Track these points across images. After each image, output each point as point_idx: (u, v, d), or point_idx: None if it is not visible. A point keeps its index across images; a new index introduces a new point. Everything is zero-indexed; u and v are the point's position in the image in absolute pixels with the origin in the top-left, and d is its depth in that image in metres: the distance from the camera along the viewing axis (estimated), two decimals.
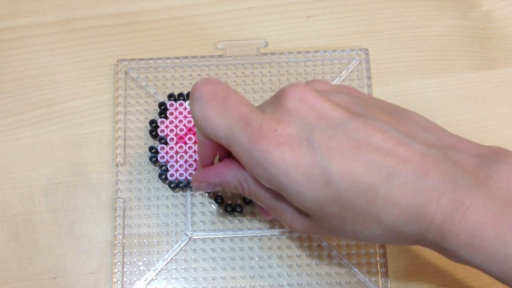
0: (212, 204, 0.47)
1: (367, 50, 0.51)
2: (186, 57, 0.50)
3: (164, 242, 0.46)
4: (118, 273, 0.45)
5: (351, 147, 0.32)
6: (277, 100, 0.35)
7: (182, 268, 0.45)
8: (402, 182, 0.32)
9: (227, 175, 0.38)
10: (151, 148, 0.47)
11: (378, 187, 0.32)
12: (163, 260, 0.45)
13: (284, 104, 0.34)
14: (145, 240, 0.46)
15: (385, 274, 0.45)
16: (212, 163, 0.40)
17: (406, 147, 0.33)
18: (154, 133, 0.48)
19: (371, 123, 0.33)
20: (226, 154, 0.38)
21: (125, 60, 0.50)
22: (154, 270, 0.45)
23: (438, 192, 0.32)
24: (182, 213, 0.47)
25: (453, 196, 0.31)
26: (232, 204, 0.46)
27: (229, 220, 0.46)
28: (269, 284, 0.45)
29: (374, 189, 0.32)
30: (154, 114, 0.49)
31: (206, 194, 0.47)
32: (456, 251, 0.32)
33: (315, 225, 0.36)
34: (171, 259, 0.45)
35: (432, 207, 0.32)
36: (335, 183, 0.32)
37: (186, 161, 0.47)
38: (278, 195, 0.36)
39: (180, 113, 0.48)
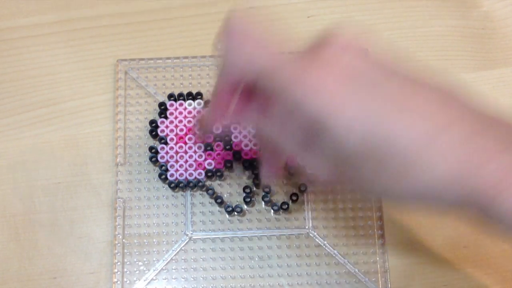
0: (212, 204, 0.46)
1: (367, 50, 0.50)
2: (186, 57, 0.50)
3: (164, 242, 0.45)
4: (118, 273, 0.45)
5: (394, 105, 0.31)
6: (321, 43, 0.33)
7: (182, 268, 0.45)
8: (448, 142, 0.30)
9: (248, 112, 0.36)
10: (151, 148, 0.47)
11: (422, 146, 0.30)
12: (163, 260, 0.45)
13: (328, 49, 0.32)
14: (145, 240, 0.45)
15: (385, 274, 0.44)
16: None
17: (454, 109, 0.31)
18: (154, 133, 0.48)
19: (411, 85, 0.32)
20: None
21: (125, 60, 0.50)
22: (154, 270, 0.45)
23: (488, 154, 0.29)
24: (182, 213, 0.46)
25: (510, 158, 0.29)
26: (231, 205, 0.46)
27: (229, 220, 0.46)
28: (269, 284, 0.44)
29: (417, 147, 0.30)
30: (154, 114, 0.49)
31: (206, 194, 0.46)
32: (503, 217, 0.29)
33: (345, 175, 0.34)
34: (171, 259, 0.45)
35: (480, 170, 0.29)
36: (377, 135, 0.30)
37: (186, 161, 0.47)
38: (306, 142, 0.34)
39: (180, 113, 0.48)
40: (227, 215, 0.46)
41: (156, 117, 0.48)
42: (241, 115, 0.37)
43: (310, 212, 0.46)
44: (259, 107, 0.35)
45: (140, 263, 0.45)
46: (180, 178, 0.46)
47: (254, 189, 0.47)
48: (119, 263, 0.45)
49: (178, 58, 0.50)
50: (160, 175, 0.46)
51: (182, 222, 0.46)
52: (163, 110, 0.48)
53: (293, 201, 0.46)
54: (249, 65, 0.33)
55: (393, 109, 0.31)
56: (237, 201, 0.46)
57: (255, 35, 0.34)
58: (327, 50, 0.32)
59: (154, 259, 0.45)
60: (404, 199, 0.33)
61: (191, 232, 0.46)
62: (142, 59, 0.50)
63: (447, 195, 0.30)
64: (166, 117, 0.48)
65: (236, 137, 0.47)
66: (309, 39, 0.34)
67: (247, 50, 0.33)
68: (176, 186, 0.46)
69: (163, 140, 0.47)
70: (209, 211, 0.46)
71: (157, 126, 0.48)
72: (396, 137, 0.30)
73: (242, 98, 0.36)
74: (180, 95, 0.49)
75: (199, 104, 0.48)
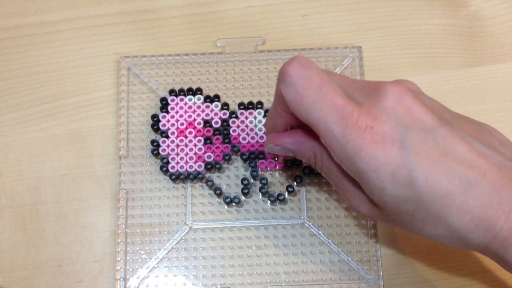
0: (211, 196, 0.46)
1: (360, 47, 0.50)
2: (186, 54, 0.50)
3: (165, 232, 0.45)
4: (121, 261, 0.44)
5: (438, 153, 0.32)
6: (375, 94, 0.34)
7: (183, 257, 0.44)
8: (479, 193, 0.32)
9: (305, 145, 0.38)
10: (153, 142, 0.47)
11: (456, 195, 0.32)
12: (164, 249, 0.45)
13: (383, 101, 0.33)
14: (147, 230, 0.45)
15: (377, 262, 0.44)
16: (285, 130, 0.40)
17: (487, 160, 0.33)
18: (156, 127, 0.47)
19: (458, 133, 0.33)
20: (301, 123, 0.38)
21: (128, 57, 0.49)
22: (155, 259, 0.44)
23: (509, 207, 0.32)
24: (182, 204, 0.46)
25: None
26: (230, 196, 0.45)
27: (227, 211, 0.46)
28: (265, 272, 0.44)
29: (452, 196, 0.32)
30: (156, 109, 0.48)
31: (205, 185, 0.46)
32: None
33: (382, 215, 0.36)
34: (172, 248, 0.45)
35: (502, 220, 0.32)
36: (418, 186, 0.32)
37: (186, 154, 0.46)
38: (350, 179, 0.36)
39: (181, 108, 0.48)
40: (225, 206, 0.46)
41: (158, 111, 0.48)
42: (305, 138, 0.38)
43: (305, 203, 0.46)
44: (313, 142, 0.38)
45: (142, 252, 0.45)
46: (181, 170, 0.46)
47: (252, 181, 0.46)
48: (122, 252, 0.44)
49: (179, 55, 0.50)
50: (161, 167, 0.46)
51: (182, 213, 0.46)
52: (164, 105, 0.48)
53: (289, 193, 0.46)
54: (305, 118, 0.34)
55: (438, 158, 0.32)
56: (235, 193, 0.46)
57: (315, 82, 0.34)
58: (384, 98, 0.34)
59: (156, 248, 0.45)
60: (436, 239, 0.35)
61: (191, 222, 0.45)
62: (145, 56, 0.50)
63: (471, 239, 0.33)
64: (167, 112, 0.48)
65: (234, 131, 0.47)
66: (364, 82, 0.36)
67: (310, 99, 0.34)
68: (176, 178, 0.46)
69: (165, 134, 0.47)
70: (209, 202, 0.46)
71: (158, 120, 0.47)
72: (436, 186, 0.32)
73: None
74: (181, 90, 0.48)
75: (199, 99, 0.48)
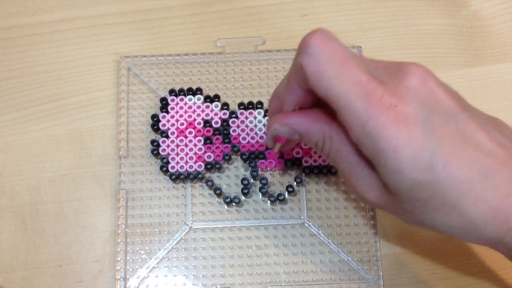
0: (211, 195, 0.46)
1: (360, 47, 0.50)
2: (186, 54, 0.49)
3: (165, 232, 0.45)
4: (121, 261, 0.44)
5: (460, 139, 0.31)
6: (399, 73, 0.33)
7: (183, 257, 0.44)
8: (497, 183, 0.31)
9: (314, 127, 0.36)
10: (153, 142, 0.46)
11: (474, 183, 0.31)
12: (164, 249, 0.44)
13: (407, 81, 0.32)
14: (147, 230, 0.45)
15: (377, 262, 0.44)
16: (293, 110, 0.37)
17: (506, 150, 0.32)
18: (155, 127, 0.47)
19: (478, 121, 0.32)
20: (311, 105, 0.36)
21: (128, 57, 0.49)
22: (155, 259, 0.44)
23: None
24: (182, 204, 0.46)
25: None
26: (230, 196, 0.45)
27: (227, 211, 0.45)
28: (266, 272, 0.44)
29: (470, 184, 0.31)
30: (156, 109, 0.48)
31: (205, 185, 0.46)
32: None
33: (392, 203, 0.34)
34: (172, 248, 0.44)
35: None
36: (437, 171, 0.31)
37: (186, 154, 0.46)
38: (359, 163, 0.34)
39: (181, 108, 0.47)
40: (225, 206, 0.46)
41: (158, 111, 0.48)
42: (315, 119, 0.36)
43: (305, 203, 0.45)
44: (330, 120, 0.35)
45: (142, 252, 0.44)
46: (181, 170, 0.46)
47: (252, 181, 0.46)
48: (122, 252, 0.44)
49: (179, 55, 0.49)
50: (161, 167, 0.46)
51: (182, 213, 0.45)
52: (164, 105, 0.48)
53: (289, 193, 0.45)
54: (325, 92, 0.32)
55: (458, 143, 0.31)
56: (235, 193, 0.46)
57: (339, 56, 0.32)
58: (408, 78, 0.32)
59: (156, 248, 0.44)
60: (447, 231, 0.33)
61: (191, 222, 0.45)
62: (144, 56, 0.49)
63: (485, 231, 0.32)
64: (167, 112, 0.47)
65: (234, 131, 0.47)
66: (386, 62, 0.34)
67: (333, 72, 0.32)
68: (176, 178, 0.46)
69: (165, 134, 0.47)
70: (209, 202, 0.46)
71: (158, 120, 0.47)
72: (455, 172, 0.31)
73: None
74: (181, 90, 0.48)
75: (199, 99, 0.48)
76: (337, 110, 0.32)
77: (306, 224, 0.45)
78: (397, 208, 0.34)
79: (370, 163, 0.34)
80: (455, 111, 0.32)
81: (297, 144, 0.45)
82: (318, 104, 0.36)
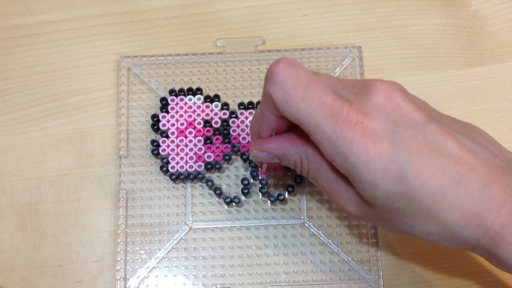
0: (211, 195, 0.46)
1: (360, 47, 0.49)
2: (186, 54, 0.49)
3: (165, 232, 0.45)
4: (121, 261, 0.44)
5: (428, 149, 0.32)
6: (364, 91, 0.34)
7: (183, 257, 0.44)
8: (469, 188, 0.32)
9: (290, 150, 0.37)
10: (153, 142, 0.46)
11: (447, 190, 0.32)
12: (164, 249, 0.44)
13: (372, 98, 0.33)
14: (147, 230, 0.45)
15: (377, 262, 0.44)
16: (270, 136, 0.39)
17: (475, 156, 0.33)
18: (156, 127, 0.47)
19: (446, 129, 0.33)
20: (286, 129, 0.38)
21: (128, 57, 0.49)
22: (155, 259, 0.44)
23: (500, 202, 0.32)
24: (182, 204, 0.45)
25: None
26: (230, 196, 0.45)
27: (227, 211, 0.45)
28: (266, 272, 0.44)
29: (442, 191, 0.32)
30: (156, 109, 0.48)
31: (205, 185, 0.46)
32: (507, 258, 0.32)
33: (372, 213, 0.35)
34: (172, 248, 0.44)
35: (493, 215, 0.32)
36: (409, 181, 0.32)
37: (186, 154, 0.46)
38: (337, 179, 0.36)
39: (181, 108, 0.47)
40: (225, 206, 0.46)
41: (158, 111, 0.48)
42: (290, 143, 0.38)
43: (305, 203, 0.45)
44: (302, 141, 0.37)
45: (142, 252, 0.44)
46: (181, 170, 0.46)
47: (252, 181, 0.46)
48: (122, 252, 0.44)
49: (179, 55, 0.49)
50: (161, 167, 0.46)
51: (182, 213, 0.45)
52: (164, 105, 0.47)
53: (289, 193, 0.45)
54: (294, 116, 0.34)
55: (428, 154, 0.32)
56: (235, 192, 0.46)
57: (303, 80, 0.34)
58: (373, 95, 0.34)
59: (156, 248, 0.44)
60: (427, 237, 0.34)
61: (191, 222, 0.45)
62: (144, 56, 0.49)
63: (462, 235, 0.32)
64: (167, 112, 0.47)
65: (234, 131, 0.46)
66: (352, 81, 0.36)
67: (299, 97, 0.33)
68: (176, 178, 0.46)
69: (165, 134, 0.47)
70: (209, 202, 0.46)
71: (158, 120, 0.47)
72: (427, 181, 0.32)
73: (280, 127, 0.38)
74: (181, 90, 0.48)
75: (199, 99, 0.48)
76: (308, 132, 0.34)
77: (306, 224, 0.45)
78: (377, 219, 0.36)
79: (346, 178, 0.35)
80: (421, 122, 0.33)
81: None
82: (293, 127, 0.38)
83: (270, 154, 0.38)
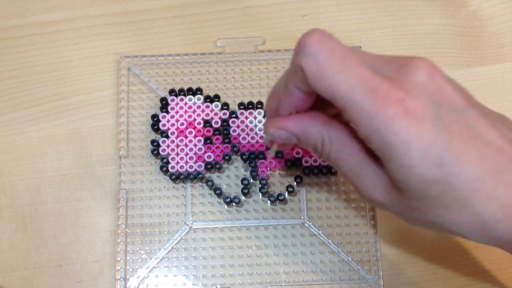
0: (211, 195, 0.46)
1: (360, 47, 0.49)
2: (186, 54, 0.49)
3: (165, 232, 0.45)
4: (121, 261, 0.44)
5: (469, 135, 0.30)
6: (404, 69, 0.32)
7: (183, 257, 0.44)
8: (508, 180, 0.30)
9: (312, 129, 0.35)
10: (153, 142, 0.46)
11: (486, 181, 0.30)
12: (164, 249, 0.44)
13: (414, 76, 0.31)
14: (147, 230, 0.45)
15: (377, 262, 0.44)
16: (290, 114, 0.36)
17: None
18: (156, 127, 0.47)
19: (487, 117, 0.31)
20: (308, 108, 0.35)
21: (128, 57, 0.49)
22: (155, 259, 0.44)
23: None
24: (182, 204, 0.45)
25: None
26: (230, 196, 0.45)
27: (227, 211, 0.45)
28: (265, 272, 0.44)
29: (481, 181, 0.30)
30: (156, 109, 0.48)
31: (205, 185, 0.46)
32: None
33: (400, 201, 0.33)
34: (172, 248, 0.44)
35: None
36: (447, 167, 0.30)
37: (186, 154, 0.46)
38: (364, 161, 0.33)
39: (181, 107, 0.47)
40: (225, 206, 0.46)
41: (158, 111, 0.48)
42: (312, 121, 0.35)
43: (305, 203, 0.45)
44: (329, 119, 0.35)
45: (142, 252, 0.44)
46: (181, 170, 0.46)
47: (252, 181, 0.46)
48: (122, 252, 0.44)
49: (179, 55, 0.49)
50: (161, 167, 0.46)
51: (182, 213, 0.45)
52: (164, 105, 0.47)
53: (289, 193, 0.45)
54: (329, 90, 0.31)
55: (468, 139, 0.30)
56: (235, 192, 0.46)
57: (339, 53, 0.31)
58: (415, 73, 0.31)
59: (156, 248, 0.44)
60: (457, 230, 0.32)
61: (191, 222, 0.45)
62: (144, 56, 0.49)
63: (497, 229, 0.30)
64: (167, 112, 0.47)
65: (234, 131, 0.46)
66: (390, 57, 0.33)
67: (335, 70, 0.31)
68: (176, 178, 0.45)
69: (165, 134, 0.46)
70: (209, 202, 0.46)
71: (158, 120, 0.47)
72: (466, 169, 0.30)
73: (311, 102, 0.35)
74: (181, 90, 0.48)
75: (199, 99, 0.47)
76: (343, 108, 0.31)
77: (306, 224, 0.45)
78: (404, 207, 0.33)
79: (375, 161, 0.33)
80: (463, 106, 0.31)
81: (295, 144, 0.45)
82: (315, 108, 0.35)
83: (289, 132, 0.35)
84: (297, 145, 0.45)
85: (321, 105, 0.35)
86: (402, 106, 0.30)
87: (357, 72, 0.31)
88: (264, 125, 0.42)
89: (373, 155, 0.33)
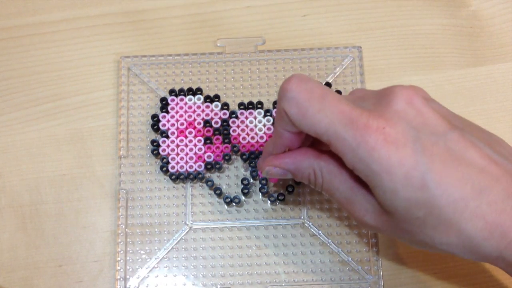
0: (211, 195, 0.46)
1: (361, 47, 0.49)
2: (186, 54, 0.49)
3: (165, 232, 0.45)
4: (121, 261, 0.44)
5: (450, 157, 0.32)
6: (385, 99, 0.34)
7: (183, 257, 0.44)
8: (492, 199, 0.31)
9: (303, 164, 0.37)
10: (153, 142, 0.46)
11: (469, 200, 0.31)
12: (164, 249, 0.44)
13: (393, 105, 0.33)
14: (147, 230, 0.45)
15: (377, 262, 0.44)
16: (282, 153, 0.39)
17: (498, 166, 0.32)
18: (156, 127, 0.47)
19: (469, 138, 0.33)
20: (299, 145, 0.38)
21: (128, 57, 0.49)
22: (155, 259, 0.44)
23: None
24: (182, 204, 0.45)
25: None
26: (230, 196, 0.45)
27: (227, 211, 0.45)
28: (265, 272, 0.44)
29: (465, 201, 0.31)
30: (156, 109, 0.48)
31: (205, 185, 0.46)
32: None
33: (390, 224, 0.34)
34: (172, 248, 0.44)
35: None
36: (430, 189, 0.31)
37: (186, 154, 0.46)
38: (354, 188, 0.35)
39: (181, 108, 0.47)
40: (225, 206, 0.46)
41: (158, 111, 0.48)
42: (303, 156, 0.37)
43: (305, 203, 0.45)
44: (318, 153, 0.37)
45: (142, 252, 0.44)
46: (181, 170, 0.46)
47: (252, 181, 0.46)
48: (122, 252, 0.44)
49: (179, 55, 0.49)
50: (161, 167, 0.46)
51: (182, 213, 0.45)
52: (164, 105, 0.47)
53: (289, 193, 0.45)
54: (312, 128, 0.34)
55: (450, 161, 0.32)
56: (235, 192, 0.46)
57: (317, 93, 0.34)
58: (394, 102, 0.33)
59: (156, 248, 0.44)
60: (447, 249, 0.33)
61: (191, 222, 0.45)
62: (144, 56, 0.49)
63: (484, 247, 0.32)
64: (167, 112, 0.47)
65: (234, 131, 0.46)
66: (371, 92, 0.36)
67: (315, 108, 0.33)
68: (176, 178, 0.46)
69: (165, 134, 0.46)
70: (209, 202, 0.46)
71: (158, 120, 0.47)
72: (449, 190, 0.31)
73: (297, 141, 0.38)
74: (181, 90, 0.48)
75: (199, 99, 0.48)
76: (328, 142, 0.34)
77: (306, 224, 0.45)
78: (396, 229, 0.35)
79: (364, 187, 0.35)
80: (443, 130, 0.33)
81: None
82: (310, 145, 0.38)
83: (284, 169, 0.38)
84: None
85: (314, 141, 0.39)
86: (382, 134, 0.32)
87: (335, 108, 0.33)
88: (258, 164, 0.45)
89: (362, 182, 0.34)
